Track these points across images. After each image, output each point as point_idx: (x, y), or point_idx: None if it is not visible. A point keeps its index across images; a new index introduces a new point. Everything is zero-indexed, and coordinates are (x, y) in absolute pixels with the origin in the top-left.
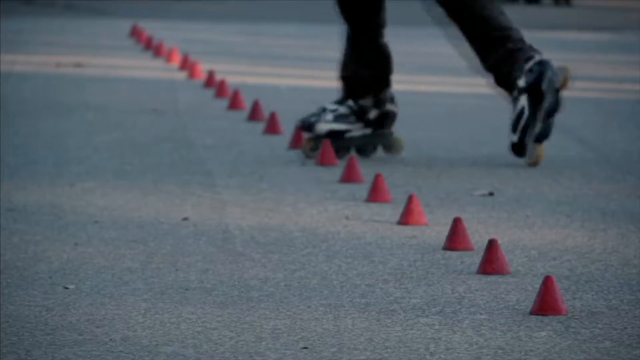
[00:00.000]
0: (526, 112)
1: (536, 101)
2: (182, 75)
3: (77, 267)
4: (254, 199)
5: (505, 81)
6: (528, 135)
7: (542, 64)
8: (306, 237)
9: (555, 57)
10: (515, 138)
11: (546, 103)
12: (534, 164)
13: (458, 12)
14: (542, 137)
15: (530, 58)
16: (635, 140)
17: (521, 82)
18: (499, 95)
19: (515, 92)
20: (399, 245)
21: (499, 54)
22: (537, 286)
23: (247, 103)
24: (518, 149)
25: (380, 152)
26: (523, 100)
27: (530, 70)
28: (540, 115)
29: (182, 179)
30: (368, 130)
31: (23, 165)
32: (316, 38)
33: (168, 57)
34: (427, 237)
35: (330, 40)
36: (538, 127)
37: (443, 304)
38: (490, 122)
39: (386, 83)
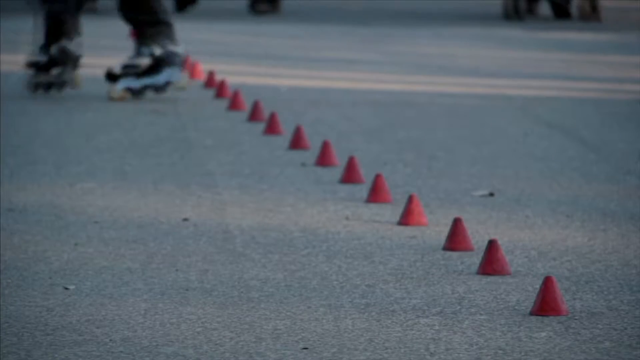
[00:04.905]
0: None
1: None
2: (182, 75)
3: (77, 268)
4: (254, 199)
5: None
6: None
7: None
8: (306, 237)
9: (555, 57)
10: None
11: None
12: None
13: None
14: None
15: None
16: (635, 140)
17: (157, 52)
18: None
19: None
20: (399, 245)
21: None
22: (537, 286)
23: (247, 103)
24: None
25: (380, 152)
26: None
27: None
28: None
29: (182, 180)
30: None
31: (23, 165)
32: (316, 38)
33: None
34: (427, 238)
35: (330, 40)
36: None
37: (443, 305)
38: (490, 122)
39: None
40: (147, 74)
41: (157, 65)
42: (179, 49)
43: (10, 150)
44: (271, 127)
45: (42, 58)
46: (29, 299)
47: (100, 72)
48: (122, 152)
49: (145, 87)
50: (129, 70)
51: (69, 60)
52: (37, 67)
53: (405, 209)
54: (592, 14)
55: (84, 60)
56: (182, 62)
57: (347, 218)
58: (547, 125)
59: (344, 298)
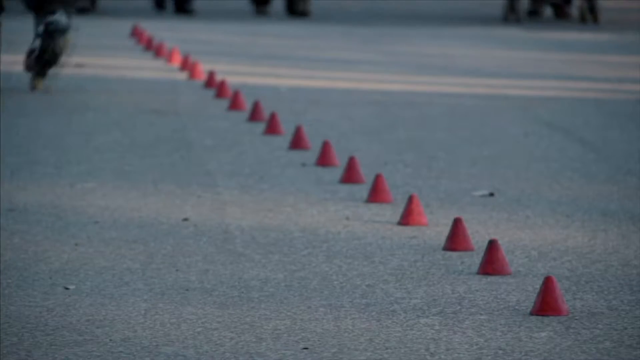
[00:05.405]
0: (36, 52)
1: (44, 46)
2: (182, 75)
3: (78, 268)
4: (254, 200)
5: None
6: (33, 68)
7: (53, 23)
8: (306, 237)
9: (555, 57)
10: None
11: (47, 55)
12: (32, 89)
13: None
14: (40, 74)
15: (53, 13)
16: (635, 140)
17: (40, 29)
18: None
19: (35, 35)
20: (399, 245)
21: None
22: (538, 286)
23: (247, 103)
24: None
25: (380, 152)
26: (37, 42)
27: (46, 22)
28: (42, 59)
29: (183, 180)
30: None
31: (23, 165)
32: (316, 38)
33: (169, 58)
34: (428, 238)
35: (330, 40)
36: (39, 66)
37: (443, 305)
38: (489, 122)
39: None
40: (38, 49)
41: (44, 38)
42: (54, 17)
43: (10, 150)
44: (271, 127)
45: None
46: (29, 299)
47: (101, 72)
48: (122, 152)
49: (45, 63)
50: (32, 55)
51: None
52: None
53: (405, 209)
54: (590, 16)
55: (84, 60)
56: (59, 25)
57: (347, 218)
58: (547, 125)
59: (344, 298)
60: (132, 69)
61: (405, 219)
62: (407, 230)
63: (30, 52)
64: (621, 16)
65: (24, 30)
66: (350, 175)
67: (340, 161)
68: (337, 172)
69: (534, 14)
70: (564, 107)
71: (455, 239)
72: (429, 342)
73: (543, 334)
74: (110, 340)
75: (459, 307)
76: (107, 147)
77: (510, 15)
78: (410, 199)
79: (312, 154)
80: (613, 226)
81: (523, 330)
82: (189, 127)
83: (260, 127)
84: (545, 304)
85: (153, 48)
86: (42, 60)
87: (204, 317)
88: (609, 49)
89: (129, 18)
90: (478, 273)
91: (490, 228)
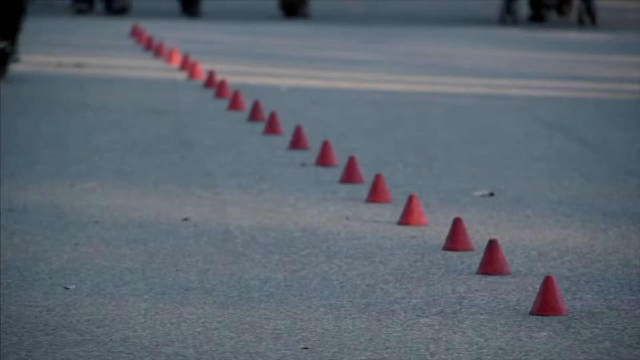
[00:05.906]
0: None
1: None
2: (182, 75)
3: (78, 268)
4: (254, 199)
5: None
6: None
7: None
8: (306, 237)
9: (555, 57)
10: None
11: None
12: None
13: None
14: None
15: None
16: (635, 140)
17: None
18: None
19: None
20: (399, 245)
21: None
22: (538, 286)
23: (247, 103)
24: None
25: (380, 152)
26: None
27: None
28: None
29: (183, 179)
30: None
31: (23, 165)
32: (316, 38)
33: (168, 58)
34: (428, 238)
35: (330, 40)
36: None
37: (443, 305)
38: (490, 122)
39: None
40: None
41: None
42: None
43: (10, 150)
44: (271, 127)
45: None
46: (29, 299)
47: (101, 72)
48: (122, 152)
49: None
50: None
51: None
52: None
53: (405, 209)
54: (587, 17)
55: (84, 60)
56: None
57: (347, 218)
58: (547, 125)
59: (344, 298)
60: (132, 68)
61: (405, 218)
62: (407, 230)
63: None
64: (620, 16)
65: (24, 31)
66: (350, 175)
67: (340, 161)
68: (337, 172)
69: (535, 19)
70: (564, 107)
71: (455, 238)
72: (429, 342)
73: (543, 334)
74: (110, 340)
75: (458, 307)
76: (107, 147)
77: (507, 16)
78: (410, 199)
79: (312, 154)
80: (613, 226)
81: (523, 330)
82: (188, 127)
83: (260, 127)
84: (545, 303)
85: (153, 48)
86: None
87: (204, 317)
88: (609, 49)
89: (129, 18)
90: (478, 273)
91: (490, 228)
